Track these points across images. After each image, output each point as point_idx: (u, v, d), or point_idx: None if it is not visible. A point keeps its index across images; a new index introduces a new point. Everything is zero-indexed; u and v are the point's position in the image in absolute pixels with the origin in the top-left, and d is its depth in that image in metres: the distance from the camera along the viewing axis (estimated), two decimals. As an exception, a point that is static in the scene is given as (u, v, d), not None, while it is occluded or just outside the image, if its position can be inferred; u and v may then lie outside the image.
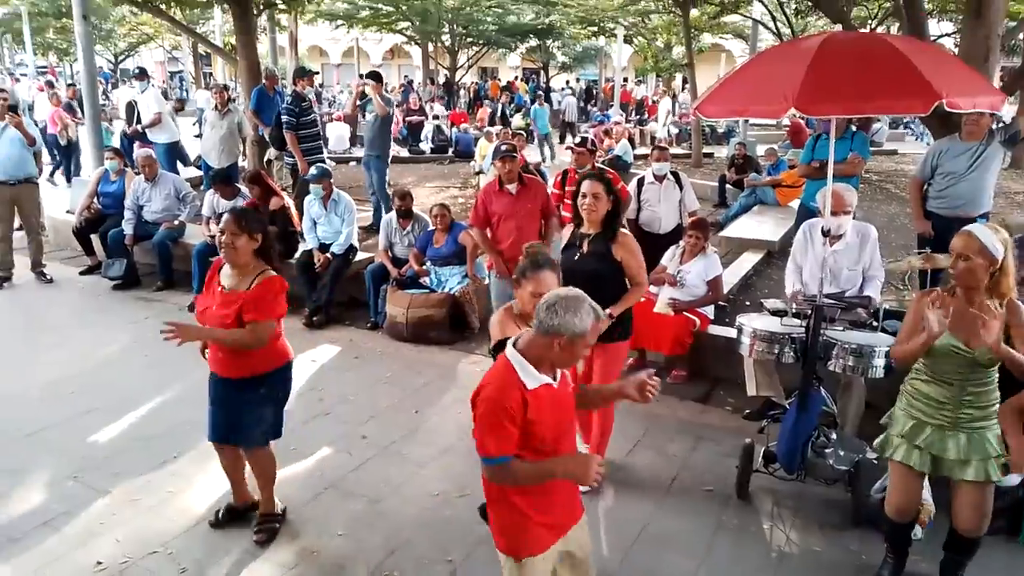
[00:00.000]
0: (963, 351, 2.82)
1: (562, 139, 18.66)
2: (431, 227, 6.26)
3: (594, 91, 31.54)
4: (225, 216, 3.26)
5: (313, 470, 4.13)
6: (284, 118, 8.04)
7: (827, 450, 3.82)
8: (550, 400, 2.27)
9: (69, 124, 11.19)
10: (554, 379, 2.31)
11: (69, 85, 15.14)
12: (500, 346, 2.42)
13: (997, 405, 2.90)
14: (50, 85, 15.82)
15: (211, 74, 34.65)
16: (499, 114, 20.20)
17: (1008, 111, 7.04)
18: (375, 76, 8.52)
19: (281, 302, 3.29)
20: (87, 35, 8.23)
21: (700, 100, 3.67)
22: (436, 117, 17.37)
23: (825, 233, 3.86)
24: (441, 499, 3.85)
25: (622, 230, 3.84)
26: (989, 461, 2.87)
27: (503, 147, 5.22)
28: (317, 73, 11.13)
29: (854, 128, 6.03)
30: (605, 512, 3.77)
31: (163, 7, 11.79)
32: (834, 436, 3.82)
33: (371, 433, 4.52)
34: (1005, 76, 8.34)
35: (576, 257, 3.75)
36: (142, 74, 9.87)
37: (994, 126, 5.31)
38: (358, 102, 8.37)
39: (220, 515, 3.57)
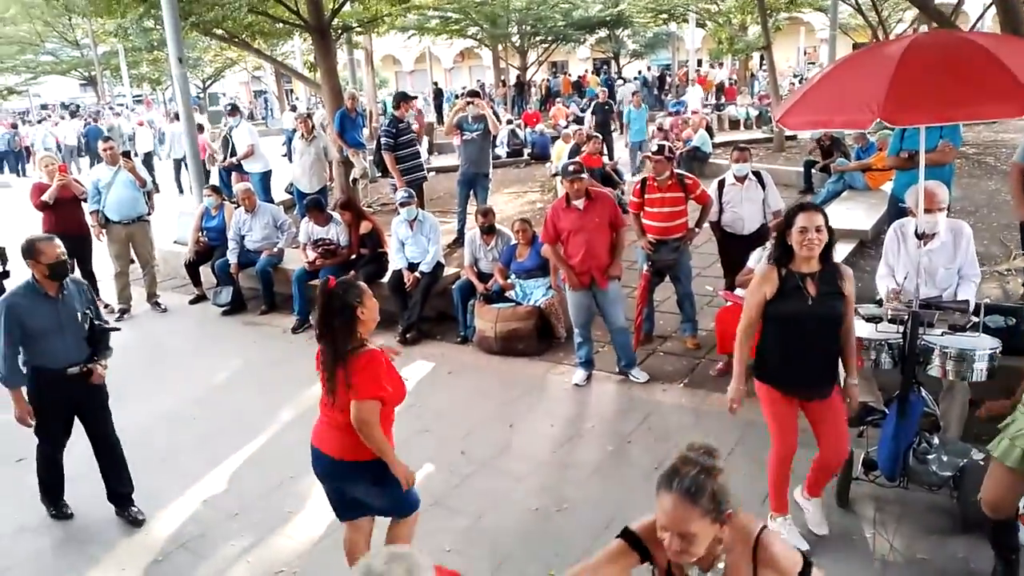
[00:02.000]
0: None
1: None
2: (513, 241, 6.41)
3: (667, 77, 31.01)
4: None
5: (417, 487, 4.33)
6: (383, 140, 8.39)
7: (929, 456, 3.75)
8: None
9: (213, 152, 12.26)
10: None
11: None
12: (631, 535, 2.11)
13: None
14: (150, 123, 16.87)
15: (292, 90, 36.01)
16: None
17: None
18: (476, 94, 8.74)
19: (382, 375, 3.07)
20: (183, 76, 8.79)
21: (782, 111, 3.66)
22: (509, 121, 17.51)
23: (919, 236, 3.77)
24: (540, 513, 4.00)
25: (841, 264, 3.42)
26: None
27: (570, 167, 5.32)
28: (416, 98, 11.43)
29: None
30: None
31: (248, 40, 12.40)
32: (936, 441, 3.74)
33: (469, 448, 4.71)
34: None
35: (809, 302, 3.23)
36: (234, 110, 10.49)
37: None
38: (455, 120, 8.55)
39: None
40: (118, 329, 4.21)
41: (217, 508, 4.26)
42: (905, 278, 4.00)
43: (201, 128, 13.04)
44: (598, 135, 11.38)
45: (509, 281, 6.37)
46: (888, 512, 3.75)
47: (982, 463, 3.64)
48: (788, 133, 15.98)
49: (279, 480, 4.48)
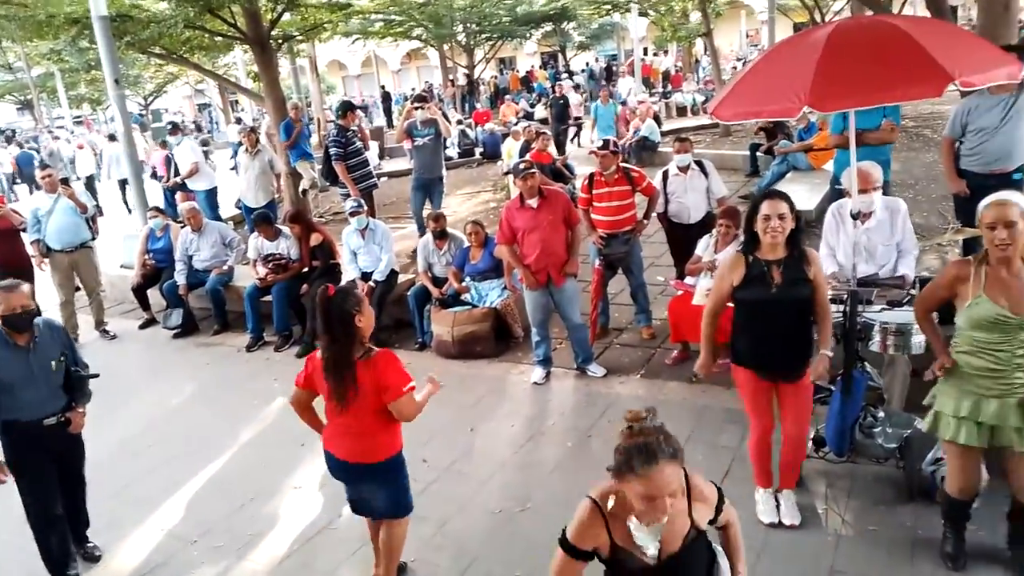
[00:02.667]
0: (1010, 318, 2.83)
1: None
2: (466, 244, 6.41)
3: (614, 68, 31.24)
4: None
5: (381, 498, 4.33)
6: (332, 151, 8.28)
7: (875, 429, 3.86)
8: None
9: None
10: None
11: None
12: (571, 548, 2.17)
13: None
14: (92, 145, 16.43)
15: (237, 101, 35.42)
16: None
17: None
18: (424, 98, 8.67)
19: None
20: (121, 97, 8.60)
21: (714, 103, 3.72)
22: (459, 121, 17.48)
23: (855, 216, 3.88)
24: (504, 515, 4.02)
25: (809, 249, 3.43)
26: None
27: (521, 165, 5.34)
28: (363, 108, 11.11)
29: None
30: (663, 513, 3.87)
31: (186, 56, 12.17)
32: (881, 414, 3.86)
33: (431, 455, 4.70)
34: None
35: (773, 290, 3.30)
36: (175, 129, 10.29)
37: (1024, 76, 5.20)
38: (404, 126, 8.48)
39: None
40: (96, 376, 3.95)
41: (177, 536, 4.19)
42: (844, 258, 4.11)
43: (164, 144, 12.79)
44: (546, 131, 11.40)
45: (464, 284, 6.37)
46: (839, 487, 3.86)
47: (924, 431, 3.77)
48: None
49: (240, 503, 4.42)
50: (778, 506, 3.69)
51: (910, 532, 3.48)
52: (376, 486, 3.25)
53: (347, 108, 8.68)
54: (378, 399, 3.04)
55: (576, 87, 15.75)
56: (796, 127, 10.84)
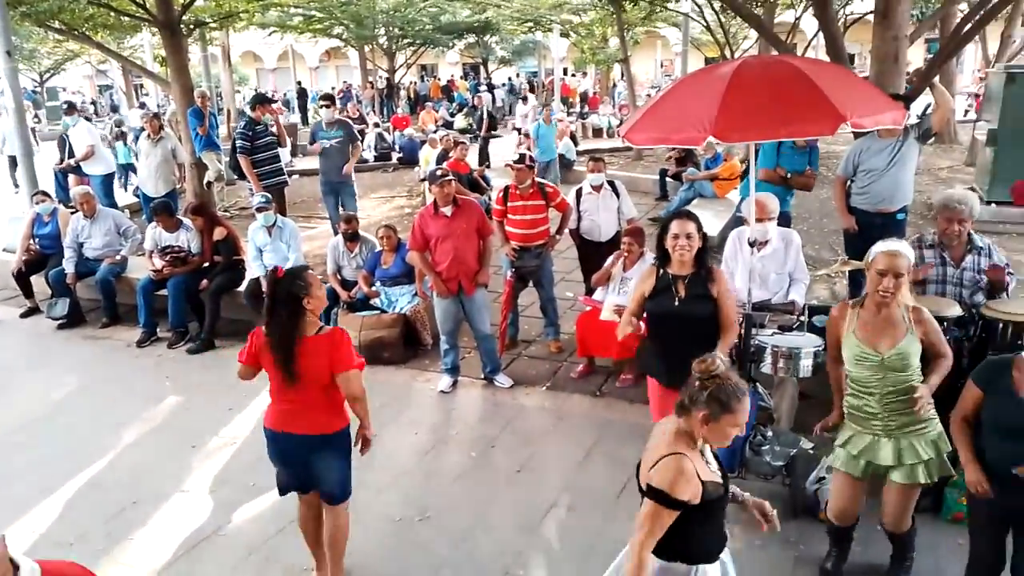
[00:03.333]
0: (871, 355, 3.04)
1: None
2: (378, 248, 6.33)
3: (534, 84, 31.70)
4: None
5: (274, 505, 4.19)
6: (238, 143, 7.97)
7: (763, 447, 4.06)
8: None
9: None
10: None
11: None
12: (675, 503, 2.28)
13: (931, 408, 3.04)
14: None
15: (142, 85, 33.75)
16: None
17: (921, 103, 7.41)
18: (330, 98, 8.51)
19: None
20: (12, 72, 8.03)
21: (628, 126, 3.85)
22: (376, 124, 17.28)
23: (752, 243, 4.08)
24: (403, 524, 3.98)
25: (714, 265, 3.67)
26: (919, 465, 3.07)
27: (438, 172, 5.34)
28: (276, 101, 10.63)
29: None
30: (560, 526, 3.93)
31: (89, 34, 11.51)
32: (770, 433, 4.06)
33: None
34: (914, 76, 8.77)
35: (676, 303, 3.50)
36: (71, 108, 9.69)
37: (910, 122, 5.62)
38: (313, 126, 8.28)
39: None
40: None
41: (51, 539, 3.93)
42: (740, 283, 4.31)
43: (115, 109, 12.02)
44: (465, 141, 11.44)
45: (374, 288, 6.28)
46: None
47: (811, 451, 3.99)
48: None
49: (120, 506, 4.19)
50: None
51: (793, 547, 3.67)
52: (327, 458, 3.27)
53: (259, 100, 8.41)
54: (327, 373, 3.12)
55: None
56: (703, 156, 11.32)
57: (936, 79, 5.89)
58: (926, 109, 5.74)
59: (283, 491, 3.42)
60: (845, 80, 3.76)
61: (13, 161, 13.18)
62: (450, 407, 5.37)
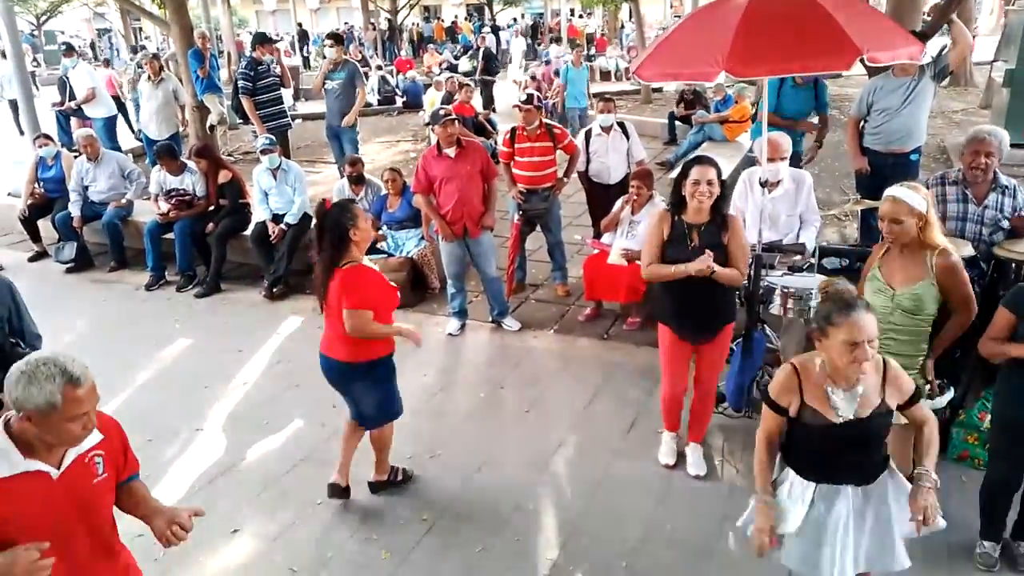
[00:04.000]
0: (885, 289, 3.06)
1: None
2: (384, 192, 6.29)
3: (540, 26, 30.99)
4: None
5: (288, 441, 4.28)
6: (240, 84, 7.87)
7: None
8: (41, 491, 1.87)
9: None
10: (57, 466, 1.91)
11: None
12: (772, 403, 2.50)
13: (924, 360, 3.09)
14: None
15: (141, 29, 33.14)
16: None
17: (936, 44, 7.22)
18: (337, 37, 8.25)
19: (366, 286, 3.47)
20: (8, 11, 7.87)
21: (637, 63, 3.76)
22: (380, 67, 16.98)
23: (763, 184, 4.03)
24: (413, 461, 4.03)
25: (730, 213, 3.55)
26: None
27: (441, 111, 5.25)
28: (279, 40, 10.26)
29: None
30: (568, 462, 3.99)
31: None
32: (777, 373, 4.08)
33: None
34: (932, 12, 8.52)
35: (690, 250, 3.37)
36: (70, 50, 9.50)
37: (925, 61, 5.49)
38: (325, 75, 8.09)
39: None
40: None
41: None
42: (750, 224, 4.27)
43: (107, 63, 11.84)
44: (470, 83, 11.24)
45: (380, 232, 6.26)
46: (735, 441, 4.07)
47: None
48: (655, 86, 16.48)
49: (135, 444, 4.18)
50: (683, 457, 3.88)
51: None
52: (355, 385, 3.46)
53: (261, 40, 8.24)
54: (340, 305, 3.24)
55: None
56: (713, 99, 11.10)
57: (954, 15, 5.73)
58: (942, 49, 5.58)
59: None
60: (862, 13, 3.63)
61: (15, 105, 13.07)
62: (458, 349, 5.40)
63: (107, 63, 11.59)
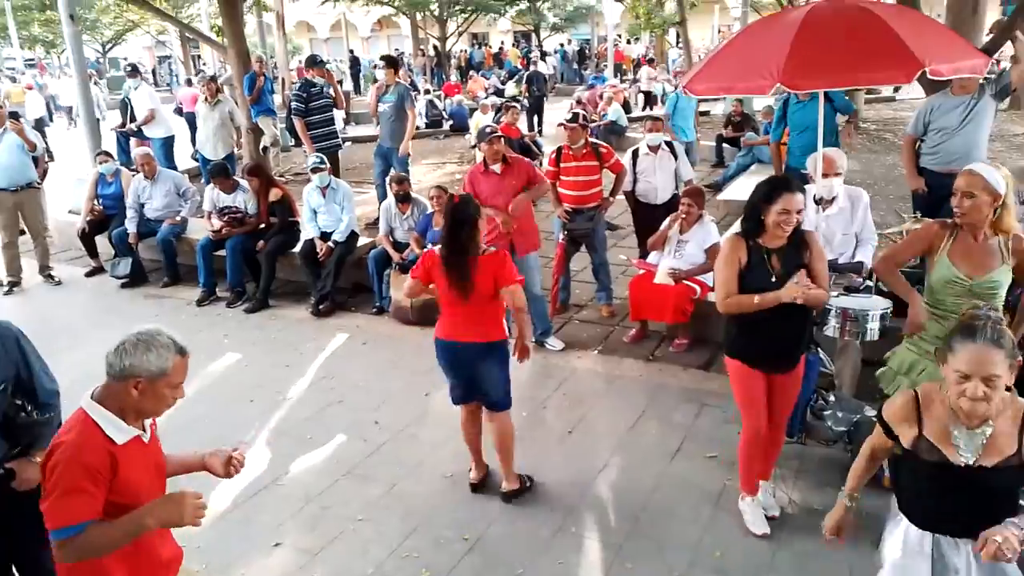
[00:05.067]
0: (962, 280, 2.96)
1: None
2: (430, 210, 6.32)
3: (587, 52, 31.15)
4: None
5: (330, 457, 4.27)
6: (293, 105, 8.09)
7: (825, 412, 3.93)
8: (142, 457, 2.07)
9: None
10: (144, 431, 2.11)
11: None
12: (884, 425, 2.27)
13: None
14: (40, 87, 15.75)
15: (200, 56, 34.33)
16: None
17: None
18: (391, 60, 8.39)
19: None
20: (76, 36, 8.23)
21: (689, 78, 3.72)
22: (427, 91, 17.24)
23: (817, 201, 3.92)
24: (454, 480, 3.99)
25: (807, 230, 3.28)
26: None
27: (487, 129, 5.27)
28: (328, 63, 10.42)
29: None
30: (612, 485, 3.89)
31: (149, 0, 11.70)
32: (832, 398, 3.93)
33: (383, 418, 4.65)
34: (994, 29, 8.27)
35: (774, 279, 3.11)
36: (134, 71, 9.87)
37: (984, 79, 5.32)
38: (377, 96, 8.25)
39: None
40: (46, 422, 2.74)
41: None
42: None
43: (189, 82, 12.30)
44: (515, 104, 11.31)
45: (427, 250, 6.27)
46: (787, 466, 3.91)
47: (874, 419, 3.84)
48: (701, 108, 16.36)
49: (183, 455, 4.30)
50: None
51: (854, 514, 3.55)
52: (490, 365, 3.68)
53: (312, 62, 8.45)
54: (494, 287, 3.51)
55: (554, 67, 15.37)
56: (763, 121, 10.97)
57: (1019, 33, 5.54)
58: (1002, 72, 5.40)
59: (456, 401, 3.85)
60: (923, 26, 3.55)
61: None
62: (501, 368, 5.35)
63: (188, 83, 11.95)
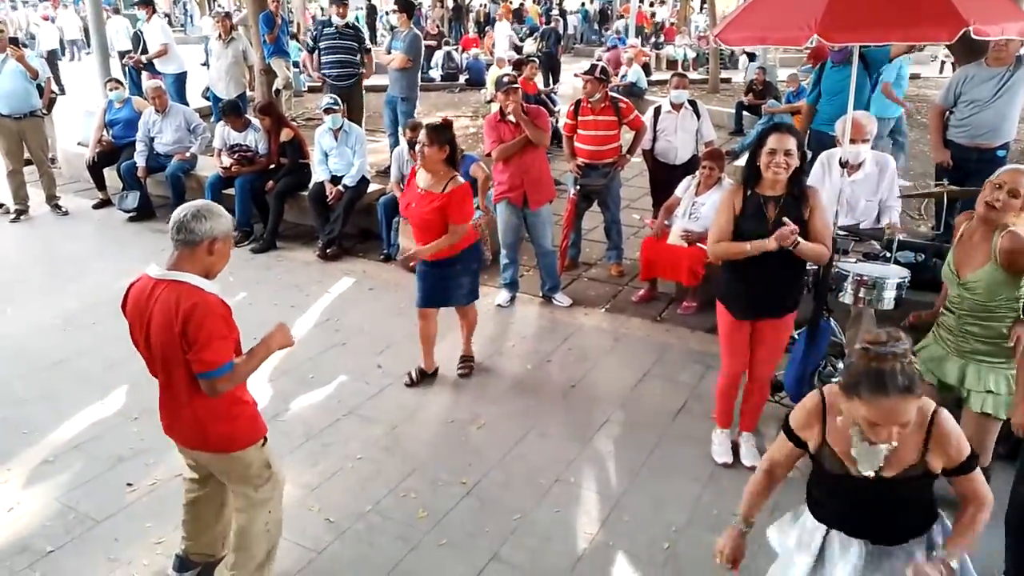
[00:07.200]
0: (951, 276, 2.93)
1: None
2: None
3: (609, 12, 30.51)
4: (422, 130, 3.98)
5: (332, 397, 4.26)
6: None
7: (834, 379, 3.86)
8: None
9: None
10: None
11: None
12: (790, 432, 2.16)
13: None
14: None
15: (215, -2, 33.76)
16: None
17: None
18: (405, 4, 8.18)
19: (470, 203, 4.09)
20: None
21: (720, 27, 3.59)
22: (447, 43, 16.95)
23: (843, 164, 3.82)
24: (456, 426, 3.97)
25: (810, 185, 3.25)
26: (991, 396, 2.91)
27: (505, 79, 5.15)
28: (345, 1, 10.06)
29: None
30: (613, 440, 3.87)
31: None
32: (841, 366, 3.88)
33: (386, 363, 4.62)
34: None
35: (768, 227, 3.09)
36: (146, 3, 9.66)
37: (1022, 52, 5.15)
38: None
39: (414, 377, 4.38)
40: None
41: (116, 412, 4.07)
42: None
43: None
44: (534, 59, 11.09)
45: (436, 200, 6.19)
46: (791, 431, 3.88)
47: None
48: (723, 75, 16.08)
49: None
50: (736, 448, 3.70)
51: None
52: (448, 275, 4.15)
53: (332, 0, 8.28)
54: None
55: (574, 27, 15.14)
56: (786, 89, 10.76)
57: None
58: None
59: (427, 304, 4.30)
60: (969, -17, 3.39)
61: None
62: (507, 321, 5.31)
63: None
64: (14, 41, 7.14)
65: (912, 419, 1.84)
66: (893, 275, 3.63)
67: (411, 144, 6.34)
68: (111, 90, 7.52)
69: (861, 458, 1.95)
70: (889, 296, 3.63)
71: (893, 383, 1.77)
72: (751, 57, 15.49)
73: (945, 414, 2.00)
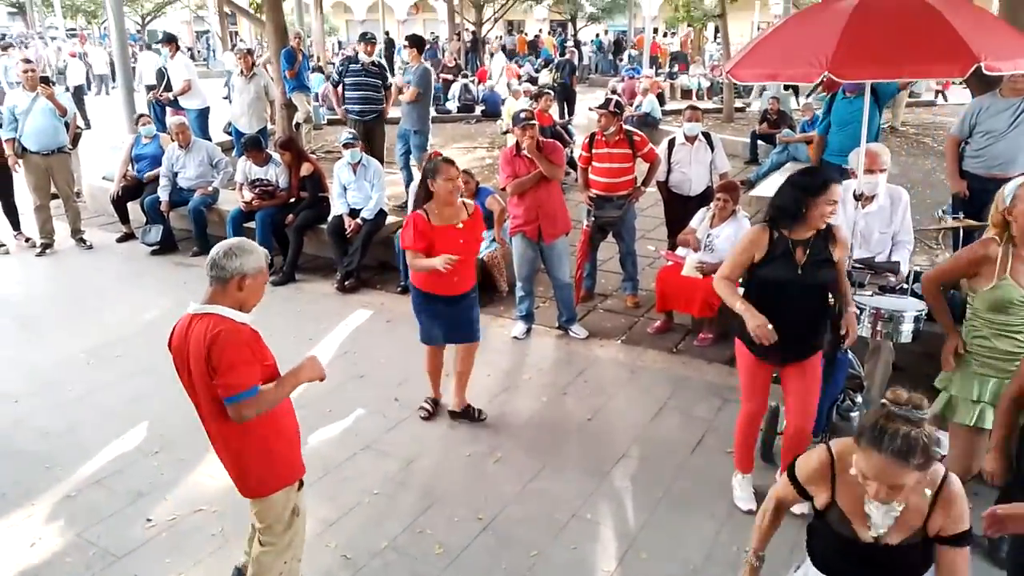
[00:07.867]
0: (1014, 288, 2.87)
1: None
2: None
3: (623, 43, 30.84)
4: (452, 167, 3.95)
5: (349, 431, 4.28)
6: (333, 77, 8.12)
7: (852, 413, 3.85)
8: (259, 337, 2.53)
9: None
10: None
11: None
12: (796, 483, 2.14)
13: None
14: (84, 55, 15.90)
15: (237, 33, 34.59)
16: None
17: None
18: (414, 40, 8.38)
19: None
20: (118, 5, 8.27)
21: (733, 63, 3.63)
22: (464, 75, 17.19)
23: (857, 197, 3.82)
24: (472, 460, 3.97)
25: (834, 223, 3.20)
26: None
27: (522, 114, 5.22)
28: (373, 40, 10.24)
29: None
30: (630, 475, 3.85)
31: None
32: (859, 399, 3.85)
33: (403, 396, 4.64)
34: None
35: (799, 271, 3.08)
36: (169, 40, 9.93)
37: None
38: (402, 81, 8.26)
39: (429, 408, 4.40)
40: None
41: (137, 446, 4.11)
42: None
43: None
44: (549, 91, 11.22)
45: (452, 232, 6.25)
46: (810, 466, 3.84)
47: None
48: (737, 104, 16.14)
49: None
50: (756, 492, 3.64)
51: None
52: (469, 308, 4.21)
53: (363, 38, 8.51)
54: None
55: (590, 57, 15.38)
56: (800, 119, 10.79)
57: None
58: None
59: (432, 340, 4.30)
60: (980, 18, 3.42)
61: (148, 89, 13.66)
62: (523, 353, 5.32)
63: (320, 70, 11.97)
64: (44, 80, 7.35)
65: (907, 486, 1.83)
66: (911, 308, 3.61)
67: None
68: (143, 124, 7.71)
69: (874, 516, 1.95)
70: (907, 329, 3.60)
71: (891, 443, 1.78)
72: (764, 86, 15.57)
73: (955, 479, 1.99)
